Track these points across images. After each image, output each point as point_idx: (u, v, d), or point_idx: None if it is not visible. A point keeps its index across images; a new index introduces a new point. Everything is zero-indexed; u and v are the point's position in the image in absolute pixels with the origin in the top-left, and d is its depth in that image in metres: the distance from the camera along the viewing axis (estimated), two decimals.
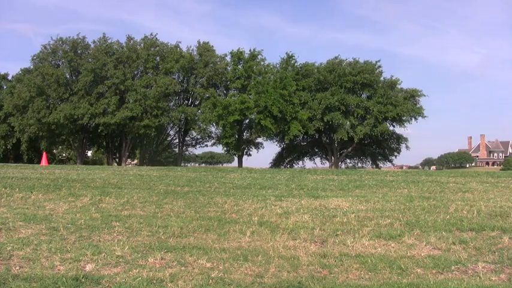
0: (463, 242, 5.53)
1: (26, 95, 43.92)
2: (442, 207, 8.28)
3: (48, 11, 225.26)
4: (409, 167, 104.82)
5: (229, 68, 46.43)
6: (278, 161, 53.59)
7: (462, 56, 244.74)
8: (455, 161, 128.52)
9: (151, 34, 48.06)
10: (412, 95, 46.10)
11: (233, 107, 39.55)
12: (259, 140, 46.97)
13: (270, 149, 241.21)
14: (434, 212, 7.67)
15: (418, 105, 45.99)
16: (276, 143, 50.41)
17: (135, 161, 59.60)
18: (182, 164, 55.45)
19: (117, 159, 52.66)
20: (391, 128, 47.83)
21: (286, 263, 4.67)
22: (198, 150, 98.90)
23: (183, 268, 4.43)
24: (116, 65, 44.69)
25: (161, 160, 56.39)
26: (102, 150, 57.88)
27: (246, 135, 45.85)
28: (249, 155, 47.91)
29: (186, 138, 52.34)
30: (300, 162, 55.05)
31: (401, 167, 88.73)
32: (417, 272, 4.44)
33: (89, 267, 4.39)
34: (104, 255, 4.75)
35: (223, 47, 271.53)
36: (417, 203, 8.96)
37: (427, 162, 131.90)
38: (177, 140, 54.29)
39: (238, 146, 44.10)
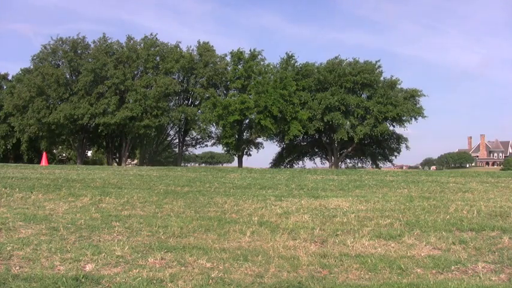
0: (463, 242, 5.53)
1: (26, 95, 43.93)
2: (442, 207, 8.28)
3: (48, 11, 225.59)
4: (409, 167, 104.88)
5: (229, 68, 46.45)
6: (278, 161, 53.61)
7: (462, 56, 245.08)
8: (455, 161, 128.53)
9: (151, 34, 48.16)
10: (412, 95, 46.11)
11: (233, 107, 39.56)
12: (259, 140, 47.06)
13: (270, 149, 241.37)
14: (434, 212, 7.67)
15: (418, 105, 46.03)
16: (276, 143, 50.50)
17: (135, 161, 59.62)
18: (182, 164, 55.46)
19: (117, 159, 52.66)
20: (391, 128, 47.95)
21: (286, 263, 4.67)
22: (198, 150, 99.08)
23: (183, 268, 4.43)
24: (116, 65, 44.70)
25: (161, 160, 56.41)
26: (102, 150, 57.89)
27: (246, 135, 45.88)
28: (249, 155, 47.98)
29: (186, 138, 52.36)
30: (300, 162, 55.16)
31: (401, 167, 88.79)
32: (417, 272, 4.44)
33: (89, 267, 4.39)
34: (104, 255, 4.75)
35: (223, 47, 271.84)
36: (417, 203, 8.96)
37: (427, 162, 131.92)
38: (177, 140, 54.36)
39: (238, 146, 44.11)
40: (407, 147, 50.78)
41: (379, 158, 52.59)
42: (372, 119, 44.23)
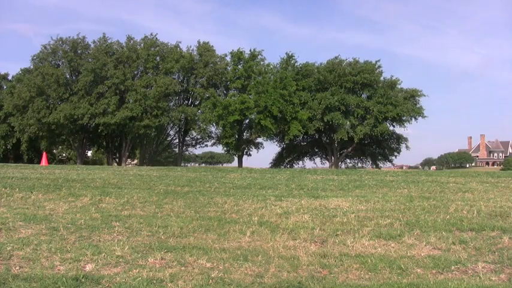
0: (463, 242, 5.53)
1: (26, 95, 43.92)
2: (442, 207, 8.28)
3: (48, 11, 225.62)
4: (409, 167, 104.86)
5: (229, 68, 46.45)
6: (278, 161, 53.61)
7: (462, 56, 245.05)
8: (455, 161, 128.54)
9: (151, 34, 48.16)
10: (412, 95, 46.12)
11: (233, 107, 39.56)
12: (259, 140, 47.07)
13: (270, 149, 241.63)
14: (434, 212, 7.67)
15: (418, 105, 46.04)
16: (276, 143, 50.52)
17: (135, 161, 59.63)
18: (182, 164, 55.47)
19: (117, 159, 52.66)
20: (391, 128, 47.95)
21: (286, 263, 4.67)
22: (198, 150, 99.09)
23: (183, 268, 4.43)
24: (116, 65, 44.70)
25: (161, 160, 56.43)
26: (102, 150, 57.89)
27: (246, 135, 45.89)
28: (249, 155, 48.00)
29: (186, 138, 52.36)
30: (300, 162, 55.17)
31: (401, 167, 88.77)
32: (417, 272, 4.44)
33: (89, 267, 4.39)
34: (104, 255, 4.75)
35: (223, 47, 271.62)
36: (417, 203, 8.96)
37: (427, 162, 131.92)
38: (177, 140, 54.35)
39: (238, 146, 44.11)
40: (407, 147, 50.87)
41: (379, 158, 52.59)
42: (372, 119, 44.23)
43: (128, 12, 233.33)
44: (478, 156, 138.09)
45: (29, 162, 46.91)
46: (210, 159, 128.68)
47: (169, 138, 55.86)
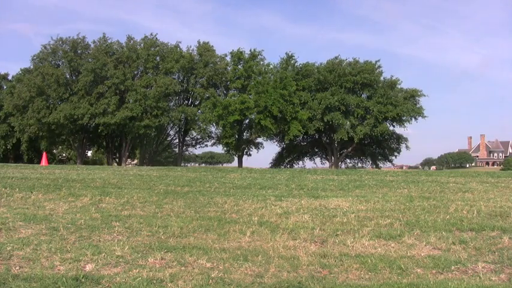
0: (463, 242, 5.53)
1: (26, 95, 43.93)
2: (442, 207, 8.28)
3: (48, 11, 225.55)
4: (409, 167, 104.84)
5: (229, 68, 46.47)
6: (278, 161, 53.62)
7: (462, 56, 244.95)
8: (455, 161, 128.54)
9: (151, 34, 48.19)
10: (412, 95, 46.12)
11: (233, 107, 39.57)
12: (259, 140, 47.08)
13: (270, 149, 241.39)
14: (434, 212, 7.67)
15: (418, 105, 46.04)
16: (276, 143, 50.54)
17: (135, 161, 59.65)
18: (182, 164, 55.47)
19: (117, 159, 52.67)
20: (391, 128, 47.95)
21: (286, 263, 4.67)
22: (198, 150, 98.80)
23: (183, 268, 4.43)
24: (116, 65, 44.71)
25: (161, 160, 56.44)
26: (102, 150, 57.90)
27: (246, 135, 45.90)
28: (249, 155, 48.01)
29: (186, 138, 52.38)
30: (300, 162, 55.19)
31: (401, 167, 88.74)
32: (417, 272, 4.44)
33: (89, 267, 4.39)
34: (104, 255, 4.75)
35: (223, 47, 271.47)
36: (417, 203, 8.96)
37: (427, 162, 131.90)
38: (177, 140, 54.37)
39: (238, 146, 44.12)
40: (407, 147, 50.87)
41: (379, 158, 52.60)
42: (372, 119, 44.24)
43: (127, 12, 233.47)
44: (478, 156, 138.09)
45: (29, 162, 46.92)
46: (210, 159, 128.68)
47: (169, 138, 55.90)
